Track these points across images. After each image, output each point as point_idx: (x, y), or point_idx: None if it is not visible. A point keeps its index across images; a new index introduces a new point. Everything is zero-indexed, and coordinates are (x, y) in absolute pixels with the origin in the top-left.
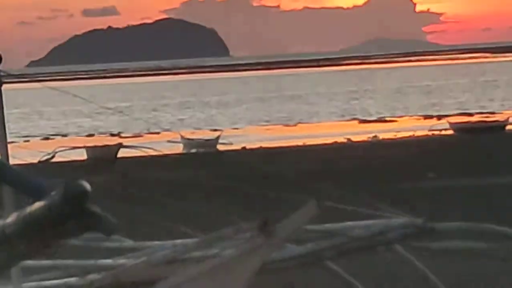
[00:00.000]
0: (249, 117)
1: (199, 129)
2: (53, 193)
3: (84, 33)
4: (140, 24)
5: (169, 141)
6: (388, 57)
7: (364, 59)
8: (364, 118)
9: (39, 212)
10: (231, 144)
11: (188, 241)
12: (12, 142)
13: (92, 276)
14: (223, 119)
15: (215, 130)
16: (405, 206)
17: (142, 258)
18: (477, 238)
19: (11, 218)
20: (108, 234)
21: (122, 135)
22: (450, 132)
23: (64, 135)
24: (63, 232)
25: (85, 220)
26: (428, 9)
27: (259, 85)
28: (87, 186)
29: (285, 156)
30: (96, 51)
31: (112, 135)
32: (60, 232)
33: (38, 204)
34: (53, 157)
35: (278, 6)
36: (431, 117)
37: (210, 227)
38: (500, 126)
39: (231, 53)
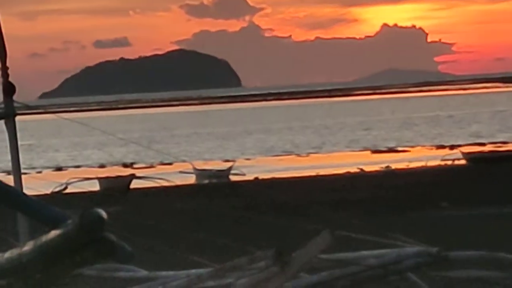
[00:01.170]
0: (261, 148)
1: (212, 159)
2: (69, 221)
3: (96, 65)
4: (152, 56)
5: (181, 172)
6: (400, 88)
7: (376, 89)
8: (376, 148)
9: (56, 241)
10: (243, 174)
11: (202, 271)
12: (25, 173)
13: None
14: (235, 150)
15: (228, 160)
16: (418, 235)
17: None
18: (492, 267)
19: (27, 247)
20: (124, 262)
21: (135, 166)
22: (463, 162)
23: (77, 166)
24: (80, 260)
25: (101, 248)
26: (440, 39)
27: (271, 116)
28: (103, 214)
29: (297, 186)
30: (109, 82)
31: (125, 166)
32: (76, 260)
33: (54, 233)
34: (65, 188)
35: (290, 37)
36: (443, 147)
37: (225, 257)
38: None
39: (243, 83)
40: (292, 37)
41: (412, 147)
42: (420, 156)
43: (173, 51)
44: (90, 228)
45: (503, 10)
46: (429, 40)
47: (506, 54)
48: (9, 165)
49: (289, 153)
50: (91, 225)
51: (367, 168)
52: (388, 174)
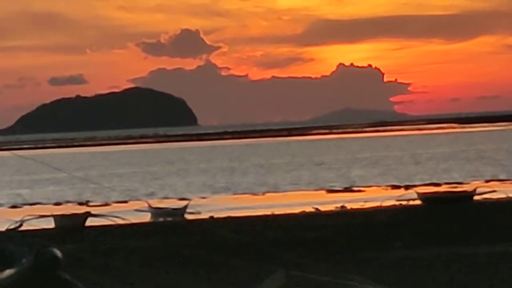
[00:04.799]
0: (217, 187)
1: (167, 198)
2: (24, 260)
3: (52, 102)
4: (109, 93)
5: (136, 210)
6: (356, 127)
7: (332, 128)
8: (331, 187)
9: (10, 280)
10: (199, 213)
11: None
12: None
13: None
14: (191, 188)
15: (183, 199)
16: (373, 276)
17: None
18: None
19: None
20: None
21: (90, 203)
22: (418, 202)
23: (32, 204)
24: None
25: (56, 287)
26: (396, 79)
27: (226, 154)
28: (58, 253)
29: (253, 225)
30: (64, 120)
31: (80, 203)
32: None
33: (9, 272)
34: (20, 225)
35: (246, 76)
36: (399, 187)
37: None
38: (467, 197)
39: (199, 122)
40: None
41: (368, 187)
42: (376, 196)
43: (129, 89)
44: (45, 267)
45: (458, 50)
46: (385, 80)
47: (461, 94)
48: None
49: (244, 192)
50: (46, 264)
51: (323, 208)
52: (343, 214)
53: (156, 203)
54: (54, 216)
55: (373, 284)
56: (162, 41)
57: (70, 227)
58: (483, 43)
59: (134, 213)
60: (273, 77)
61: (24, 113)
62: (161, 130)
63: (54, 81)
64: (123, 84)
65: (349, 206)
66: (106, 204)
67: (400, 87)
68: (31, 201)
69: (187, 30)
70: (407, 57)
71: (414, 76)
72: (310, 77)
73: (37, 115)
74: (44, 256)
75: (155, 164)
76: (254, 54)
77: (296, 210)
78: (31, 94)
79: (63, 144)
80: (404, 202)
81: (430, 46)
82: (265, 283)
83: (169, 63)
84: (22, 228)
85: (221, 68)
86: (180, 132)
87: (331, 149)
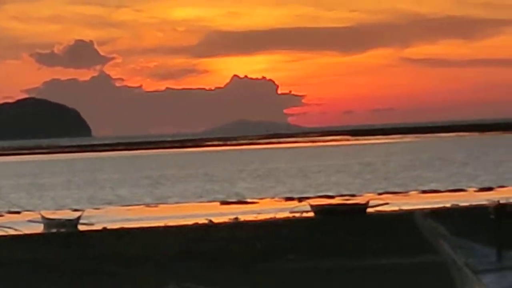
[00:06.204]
0: (110, 198)
1: (60, 209)
2: None
3: None
4: (2, 104)
5: (29, 221)
6: (250, 139)
7: (226, 140)
8: (225, 199)
9: None
10: (92, 224)
11: None
12: None
13: None
14: (84, 199)
15: (76, 210)
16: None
17: None
18: None
19: None
20: None
21: None
22: (311, 214)
23: None
24: None
25: None
26: (290, 91)
27: (121, 166)
28: None
29: (146, 236)
30: None
31: None
32: None
33: None
34: None
35: (140, 87)
36: (292, 199)
37: None
38: (360, 209)
39: (93, 133)
40: (143, 87)
41: (261, 199)
42: (269, 208)
43: (23, 99)
44: None
45: (352, 63)
46: (279, 92)
47: (355, 107)
48: None
49: (138, 203)
50: None
51: (216, 220)
52: (237, 226)
53: (49, 214)
54: None
55: None
56: (56, 51)
57: None
58: (378, 55)
59: (27, 223)
60: (167, 88)
61: None
62: (55, 141)
63: None
64: (17, 94)
65: (242, 218)
66: None
67: (294, 99)
68: None
69: (81, 41)
70: (301, 69)
71: (308, 88)
72: (204, 89)
73: None
74: None
75: (48, 175)
76: (148, 65)
77: (189, 221)
78: None
79: None
80: (297, 214)
81: (325, 58)
82: None
83: (63, 73)
84: None
85: (115, 79)
86: (73, 143)
87: (223, 161)
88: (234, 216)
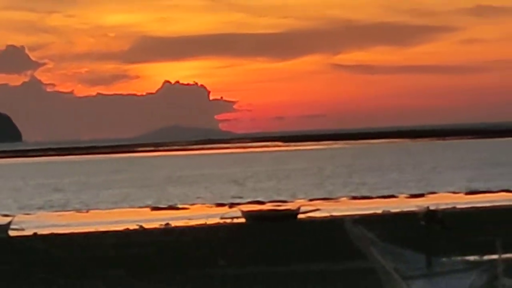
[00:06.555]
0: (41, 203)
1: None
2: None
3: None
4: None
5: None
6: (182, 145)
7: (158, 146)
8: (156, 205)
9: None
10: (22, 229)
11: None
12: None
13: None
14: (14, 205)
15: (6, 215)
16: None
17: None
18: None
19: None
20: None
21: None
22: (242, 220)
23: None
24: None
25: None
26: (222, 97)
27: (51, 171)
28: None
29: (76, 242)
30: None
31: None
32: None
33: None
34: None
35: (72, 92)
36: (223, 205)
37: None
38: (291, 215)
39: (24, 138)
40: (74, 92)
41: (192, 204)
42: (200, 214)
43: None
44: None
45: (283, 69)
46: (211, 97)
47: (286, 113)
48: None
49: (69, 209)
50: None
51: (146, 225)
52: (168, 231)
53: None
54: None
55: None
56: None
57: None
58: (308, 62)
59: None
60: (98, 94)
61: None
62: None
63: None
64: None
65: (173, 223)
66: None
67: (225, 105)
68: None
69: (12, 46)
70: (232, 75)
71: (240, 94)
72: (135, 94)
73: None
74: None
75: None
76: (79, 71)
77: (120, 227)
78: None
79: None
80: (228, 220)
81: (256, 64)
82: None
83: None
84: None
85: (46, 85)
86: (4, 149)
87: (155, 166)
88: (165, 222)
